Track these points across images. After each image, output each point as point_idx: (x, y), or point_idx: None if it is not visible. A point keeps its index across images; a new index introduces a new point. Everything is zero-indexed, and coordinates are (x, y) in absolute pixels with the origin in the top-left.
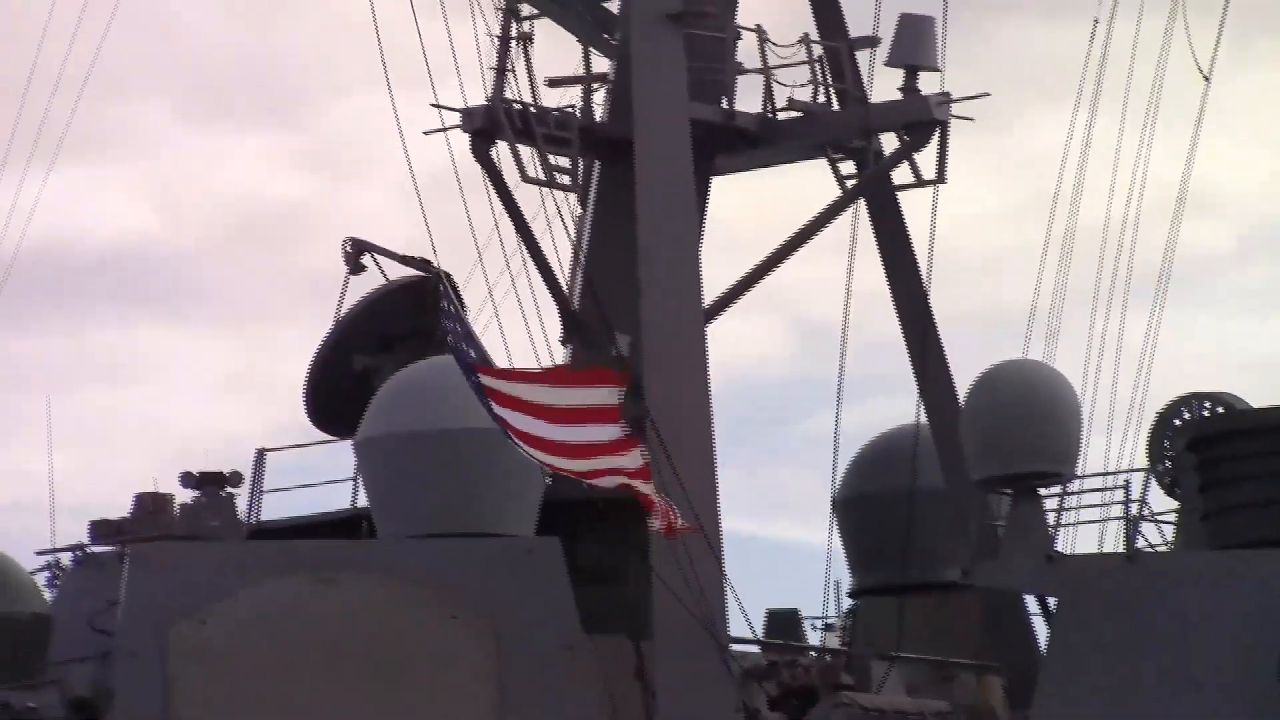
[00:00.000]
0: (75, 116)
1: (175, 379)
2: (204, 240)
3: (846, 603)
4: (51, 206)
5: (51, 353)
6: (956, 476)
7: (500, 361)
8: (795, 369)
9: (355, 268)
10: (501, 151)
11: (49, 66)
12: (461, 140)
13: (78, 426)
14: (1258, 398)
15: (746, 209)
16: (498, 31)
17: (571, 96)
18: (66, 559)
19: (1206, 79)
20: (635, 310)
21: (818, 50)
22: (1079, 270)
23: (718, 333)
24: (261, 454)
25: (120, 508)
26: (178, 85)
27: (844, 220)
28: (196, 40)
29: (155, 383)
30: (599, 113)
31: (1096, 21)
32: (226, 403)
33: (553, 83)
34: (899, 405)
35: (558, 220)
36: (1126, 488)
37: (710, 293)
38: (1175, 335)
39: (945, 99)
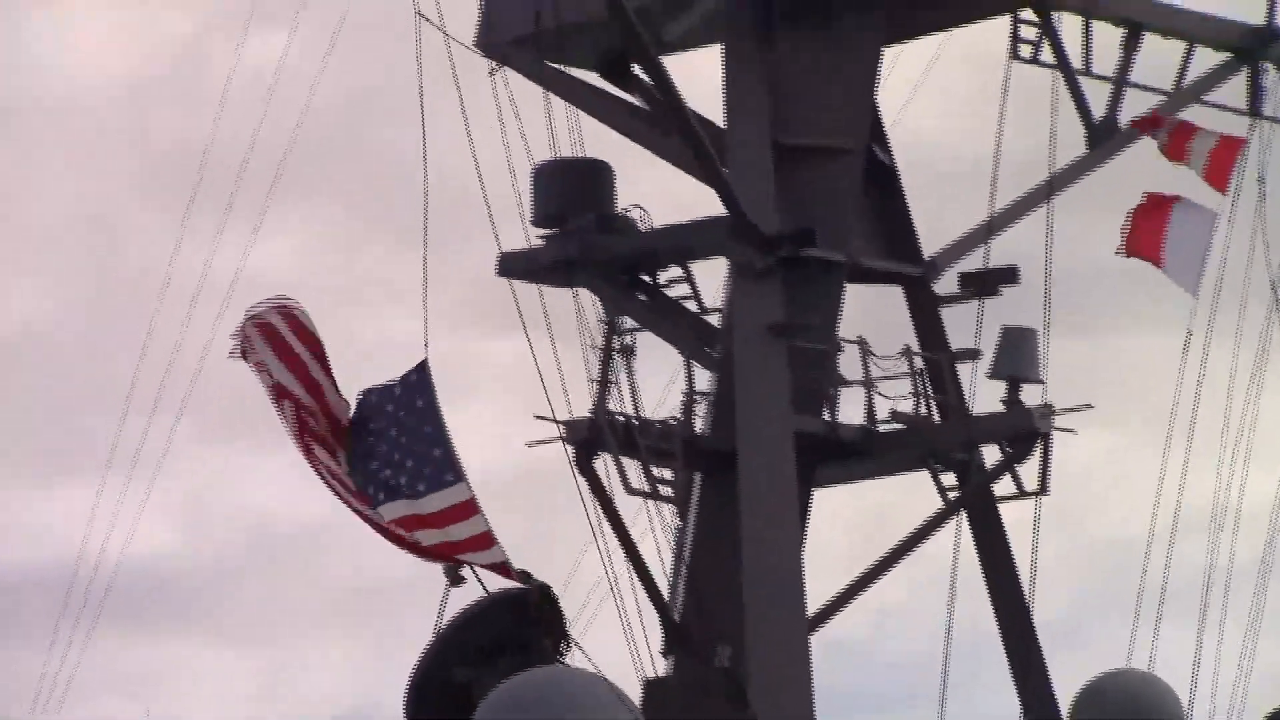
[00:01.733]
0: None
1: (212, 696)
2: (233, 557)
3: None
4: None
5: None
6: None
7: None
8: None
9: (454, 579)
10: (603, 462)
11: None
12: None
13: None
14: None
15: (848, 520)
16: (600, 344)
17: (671, 408)
18: None
19: None
20: (738, 621)
21: (919, 362)
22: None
23: None
24: None
25: None
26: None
27: None
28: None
29: (191, 700)
30: (700, 424)
31: (1190, 334)
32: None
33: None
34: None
35: (659, 531)
36: None
37: (812, 604)
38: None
39: (1048, 411)
